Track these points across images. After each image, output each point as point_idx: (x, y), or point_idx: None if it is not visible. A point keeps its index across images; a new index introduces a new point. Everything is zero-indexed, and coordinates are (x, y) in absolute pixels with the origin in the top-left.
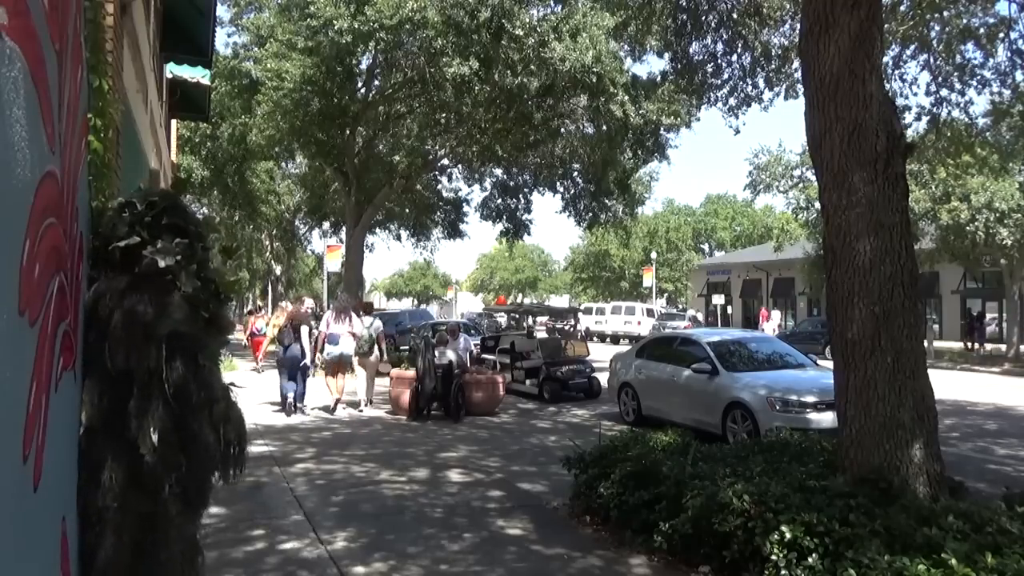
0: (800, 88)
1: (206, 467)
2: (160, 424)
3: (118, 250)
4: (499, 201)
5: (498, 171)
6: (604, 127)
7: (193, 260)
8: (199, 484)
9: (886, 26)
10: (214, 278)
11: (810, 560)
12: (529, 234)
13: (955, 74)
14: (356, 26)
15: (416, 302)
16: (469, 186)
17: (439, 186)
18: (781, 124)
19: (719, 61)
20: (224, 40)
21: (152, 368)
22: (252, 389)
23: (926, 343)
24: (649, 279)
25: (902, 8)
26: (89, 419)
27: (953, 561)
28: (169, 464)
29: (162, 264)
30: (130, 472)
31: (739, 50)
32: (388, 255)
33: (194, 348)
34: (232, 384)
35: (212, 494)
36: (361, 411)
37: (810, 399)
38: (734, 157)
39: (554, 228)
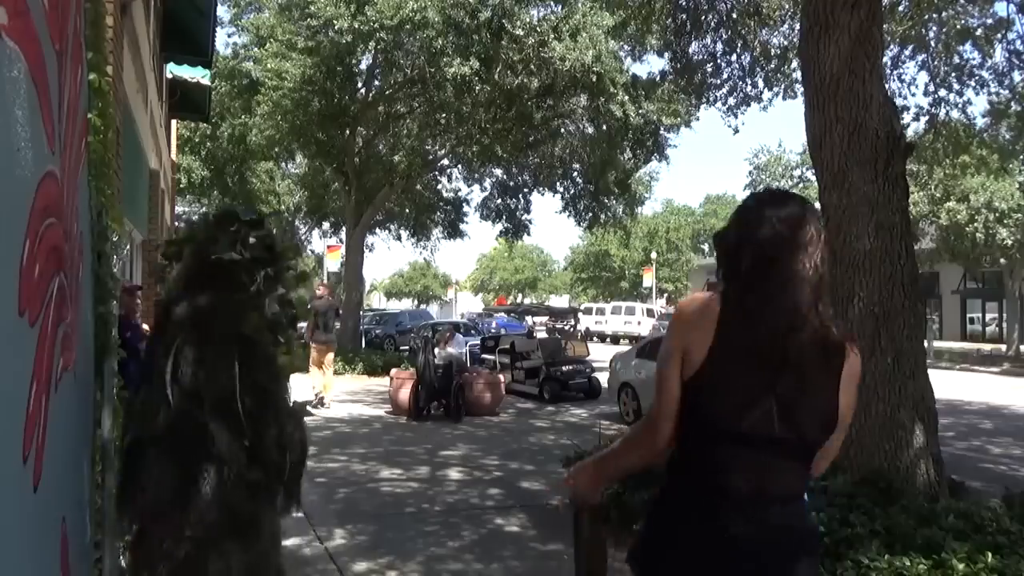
0: (800, 88)
1: (273, 482)
2: (229, 441)
3: (209, 264)
4: (499, 201)
5: (498, 171)
6: (604, 127)
7: (278, 284)
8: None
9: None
10: (294, 302)
11: None
12: (529, 234)
13: (953, 74)
14: (356, 26)
15: (416, 302)
16: (469, 186)
17: (439, 186)
18: (781, 124)
19: (719, 61)
20: (224, 40)
21: (227, 387)
22: None
23: (926, 343)
24: (649, 279)
25: (900, 8)
26: (148, 430)
27: (953, 561)
28: (242, 478)
29: (252, 288)
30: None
31: (738, 50)
32: (388, 255)
33: (268, 369)
34: (298, 404)
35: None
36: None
37: None
38: (734, 157)
39: (554, 228)
